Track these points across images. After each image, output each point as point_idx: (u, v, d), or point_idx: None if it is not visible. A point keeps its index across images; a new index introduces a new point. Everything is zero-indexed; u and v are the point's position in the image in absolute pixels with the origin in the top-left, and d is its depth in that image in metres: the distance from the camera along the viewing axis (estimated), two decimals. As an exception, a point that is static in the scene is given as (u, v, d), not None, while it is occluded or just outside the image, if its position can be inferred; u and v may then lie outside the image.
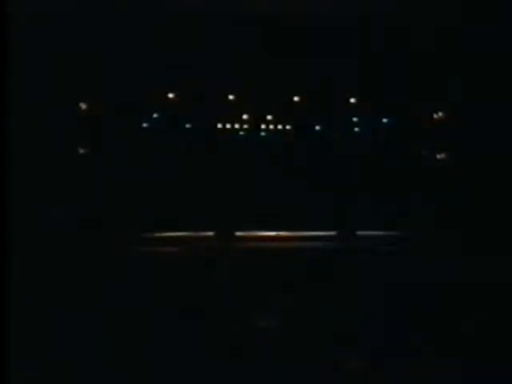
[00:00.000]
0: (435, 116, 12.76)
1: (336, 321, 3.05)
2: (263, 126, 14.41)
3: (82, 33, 10.21)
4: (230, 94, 12.88)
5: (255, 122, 14.16)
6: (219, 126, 14.23)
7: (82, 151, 11.67)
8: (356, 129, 14.50)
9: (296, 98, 12.98)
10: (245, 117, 13.87)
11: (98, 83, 10.96)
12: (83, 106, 11.41)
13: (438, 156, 13.15)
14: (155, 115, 13.34)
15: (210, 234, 11.09)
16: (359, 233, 12.10)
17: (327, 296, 3.39)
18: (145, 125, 13.53)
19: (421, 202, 12.71)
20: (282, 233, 12.50)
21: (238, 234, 11.22)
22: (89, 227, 10.00)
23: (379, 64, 11.33)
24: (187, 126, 14.04)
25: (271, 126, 14.38)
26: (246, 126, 14.37)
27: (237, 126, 14.37)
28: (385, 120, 13.77)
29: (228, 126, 14.32)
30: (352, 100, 13.04)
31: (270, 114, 13.91)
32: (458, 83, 11.20)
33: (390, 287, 3.60)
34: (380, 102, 12.62)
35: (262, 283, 3.97)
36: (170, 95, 12.57)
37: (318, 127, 14.44)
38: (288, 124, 14.40)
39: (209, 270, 4.77)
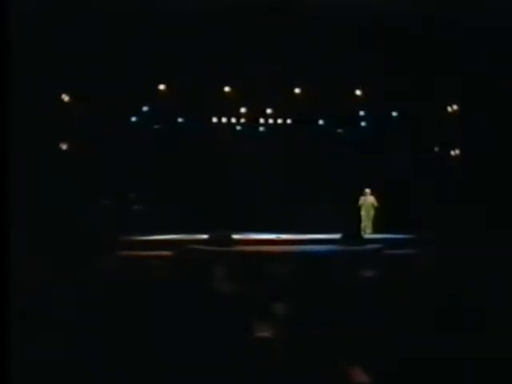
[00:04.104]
0: (449, 109, 12.49)
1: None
2: (262, 121, 14.40)
3: (68, 21, 9.91)
4: (226, 85, 12.55)
5: (253, 115, 14.04)
6: (214, 120, 14.21)
7: (64, 147, 11.34)
8: (362, 123, 14.53)
9: (297, 90, 12.66)
10: (242, 110, 13.70)
11: (82, 73, 10.58)
12: (65, 97, 11.05)
13: (453, 153, 12.92)
14: (144, 108, 13.21)
15: (205, 236, 10.75)
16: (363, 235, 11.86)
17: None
18: (133, 119, 13.49)
19: (432, 204, 12.48)
20: (282, 235, 12.17)
21: (235, 236, 10.90)
22: (73, 228, 9.69)
23: (388, 52, 10.97)
24: (179, 120, 14.06)
25: (270, 121, 14.36)
26: (243, 121, 14.31)
27: (233, 120, 14.32)
28: (394, 114, 13.66)
29: (224, 120, 14.29)
30: (358, 92, 12.73)
31: (269, 107, 13.73)
32: (473, 73, 10.84)
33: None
34: (389, 94, 12.27)
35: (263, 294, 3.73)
36: (161, 87, 12.27)
37: (320, 121, 14.42)
38: (289, 118, 14.36)
39: (203, 277, 4.50)
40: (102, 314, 3.19)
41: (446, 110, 12.43)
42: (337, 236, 10.89)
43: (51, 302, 3.41)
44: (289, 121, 14.48)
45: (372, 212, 12.47)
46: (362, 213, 12.57)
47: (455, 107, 12.22)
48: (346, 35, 10.86)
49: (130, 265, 6.29)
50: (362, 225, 12.53)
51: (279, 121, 14.43)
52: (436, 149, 13.29)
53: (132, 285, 4.41)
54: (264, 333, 2.89)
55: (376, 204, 12.42)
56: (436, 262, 6.13)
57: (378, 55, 10.96)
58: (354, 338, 2.82)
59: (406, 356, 2.63)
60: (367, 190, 12.59)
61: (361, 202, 12.60)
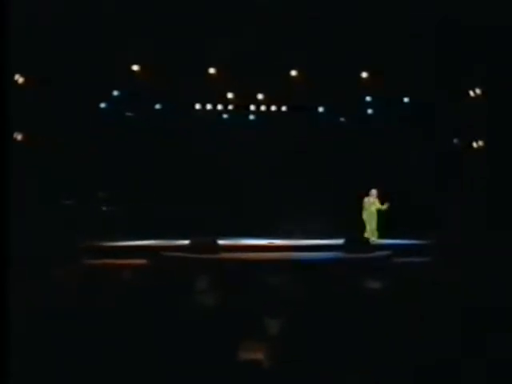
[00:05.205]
0: (472, 94, 12.24)
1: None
2: (253, 108, 14.26)
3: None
4: (211, 66, 12.28)
5: (243, 102, 13.92)
6: (197, 106, 14.13)
7: (19, 137, 11.08)
8: (369, 111, 14.45)
9: (293, 73, 12.42)
10: (229, 95, 13.55)
11: (40, 50, 10.29)
12: (20, 78, 10.75)
13: (475, 145, 12.70)
14: (115, 93, 13.04)
15: (186, 242, 10.65)
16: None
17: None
18: (102, 105, 13.35)
19: (447, 204, 12.40)
20: (275, 241, 12.07)
21: (221, 242, 10.82)
22: (25, 235, 9.46)
23: (399, 29, 10.81)
24: (157, 106, 13.97)
25: (263, 108, 14.25)
26: (231, 108, 14.24)
27: (219, 107, 14.26)
28: (406, 100, 13.53)
29: (209, 106, 14.20)
30: (364, 74, 12.49)
31: (261, 91, 13.54)
32: (500, 53, 10.67)
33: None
34: (399, 77, 12.01)
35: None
36: (135, 67, 11.98)
37: (320, 109, 14.36)
38: (284, 104, 14.26)
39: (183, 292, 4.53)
40: (57, 341, 3.08)
41: (467, 94, 12.27)
42: (339, 241, 10.85)
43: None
44: (284, 108, 14.39)
45: (376, 217, 12.33)
46: (365, 217, 12.42)
47: (478, 92, 12.05)
48: (351, 8, 10.69)
49: (94, 277, 6.10)
50: (367, 229, 12.38)
51: (273, 108, 14.32)
52: (455, 140, 13.18)
53: (95, 302, 4.23)
54: (255, 354, 2.92)
55: (383, 207, 12.19)
56: (454, 271, 5.98)
57: (387, 30, 10.75)
58: (361, 367, 2.79)
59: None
60: (373, 191, 12.46)
61: (365, 204, 12.44)
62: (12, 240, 3.43)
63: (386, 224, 12.33)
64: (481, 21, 10.37)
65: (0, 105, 3.38)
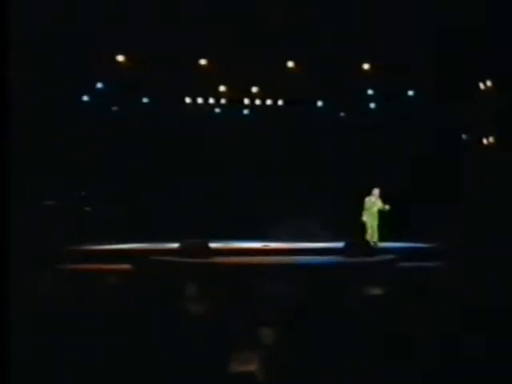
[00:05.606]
0: (482, 86, 12.11)
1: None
2: (246, 101, 14.27)
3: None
4: (202, 57, 12.15)
5: (236, 95, 13.88)
6: (188, 100, 14.16)
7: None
8: (371, 105, 14.46)
9: (290, 64, 12.32)
10: (222, 89, 13.49)
11: (16, 39, 10.12)
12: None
13: (485, 141, 12.65)
14: (99, 85, 12.95)
15: (175, 245, 10.59)
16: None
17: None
18: (84, 98, 13.30)
19: (456, 205, 12.24)
20: (271, 244, 12.06)
21: (213, 245, 10.69)
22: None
23: (401, 16, 10.71)
24: (144, 100, 13.94)
25: (257, 102, 14.25)
26: (223, 101, 14.22)
27: (211, 100, 14.26)
28: (410, 93, 13.49)
29: (200, 100, 14.22)
30: (365, 66, 12.37)
31: (255, 84, 13.50)
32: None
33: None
34: (403, 69, 11.94)
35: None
36: (120, 58, 11.84)
37: (319, 103, 14.38)
38: (280, 98, 14.25)
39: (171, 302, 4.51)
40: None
41: (477, 87, 12.16)
42: (339, 244, 10.78)
43: None
44: (280, 102, 14.34)
45: (377, 218, 12.20)
46: (366, 218, 12.28)
47: (489, 84, 11.95)
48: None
49: (74, 282, 5.97)
50: (368, 231, 12.26)
51: (268, 102, 14.27)
52: (464, 136, 13.13)
53: (72, 311, 4.13)
54: (248, 366, 2.97)
55: (386, 207, 12.05)
56: (465, 277, 5.81)
57: (391, 17, 10.63)
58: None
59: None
60: (375, 191, 12.30)
61: (366, 203, 12.30)
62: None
63: (387, 226, 12.21)
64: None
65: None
